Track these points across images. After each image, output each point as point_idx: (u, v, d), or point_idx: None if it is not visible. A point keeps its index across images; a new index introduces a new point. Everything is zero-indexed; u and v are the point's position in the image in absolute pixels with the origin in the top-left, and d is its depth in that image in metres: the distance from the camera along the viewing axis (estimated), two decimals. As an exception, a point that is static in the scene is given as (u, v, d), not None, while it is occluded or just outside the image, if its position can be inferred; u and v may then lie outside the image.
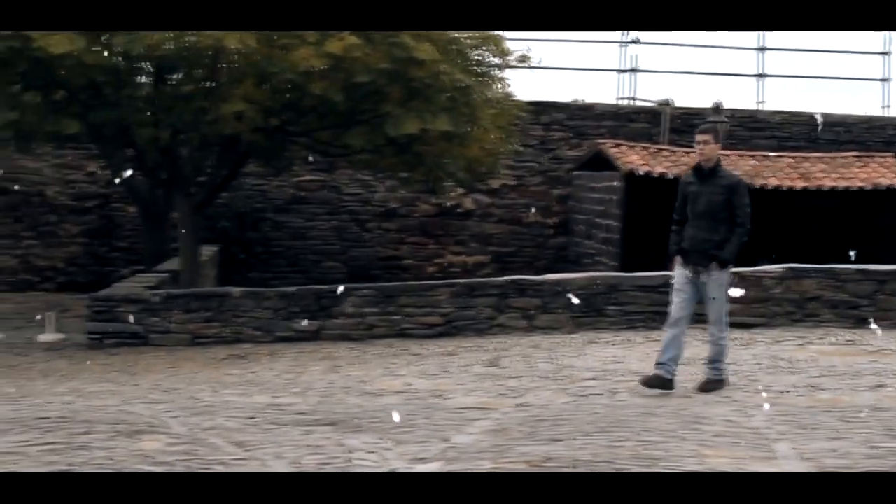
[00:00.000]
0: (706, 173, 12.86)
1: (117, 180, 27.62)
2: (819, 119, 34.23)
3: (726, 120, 32.97)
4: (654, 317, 20.70)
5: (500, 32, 25.91)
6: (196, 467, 7.90)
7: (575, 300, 20.09)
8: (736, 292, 12.79)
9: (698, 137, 13.02)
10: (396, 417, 10.25)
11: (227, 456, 8.36)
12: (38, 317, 24.44)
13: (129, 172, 26.12)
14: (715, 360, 12.92)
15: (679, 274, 12.93)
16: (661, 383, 12.40)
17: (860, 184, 29.62)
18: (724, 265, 12.80)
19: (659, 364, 12.61)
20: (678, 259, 12.92)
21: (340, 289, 21.72)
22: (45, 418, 10.13)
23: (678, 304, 12.88)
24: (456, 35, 24.40)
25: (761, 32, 36.10)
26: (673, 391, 12.45)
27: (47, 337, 24.66)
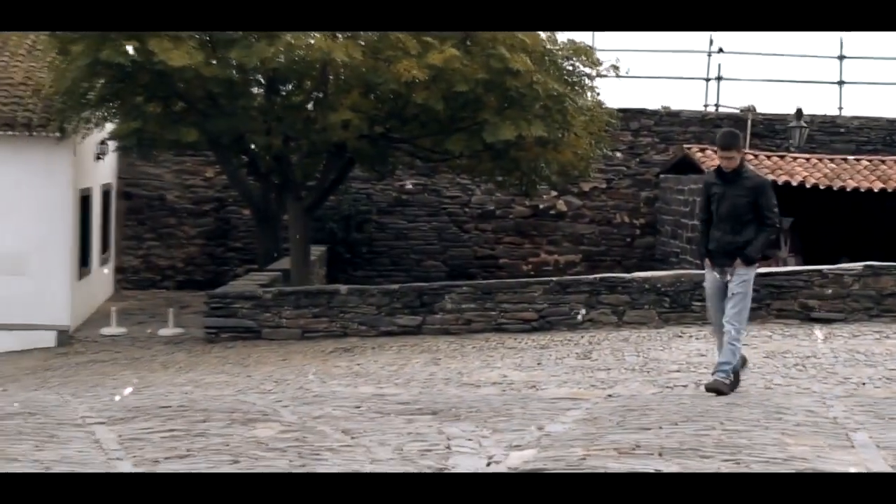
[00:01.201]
0: (730, 175, 11.99)
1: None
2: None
3: (805, 126, 32.75)
4: (738, 312, 20.56)
5: (591, 44, 25.92)
6: (307, 453, 7.96)
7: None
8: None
9: (725, 154, 12.07)
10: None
11: (335, 443, 8.40)
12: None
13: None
14: (725, 363, 11.82)
15: (709, 279, 12.23)
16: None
17: (936, 186, 29.20)
18: (748, 262, 11.94)
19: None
20: (707, 262, 12.19)
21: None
22: (166, 407, 10.26)
23: (715, 312, 12.21)
24: (549, 46, 24.42)
25: (841, 41, 35.67)
26: (742, 388, 12.01)
27: (167, 331, 24.97)
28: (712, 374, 11.89)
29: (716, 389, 11.50)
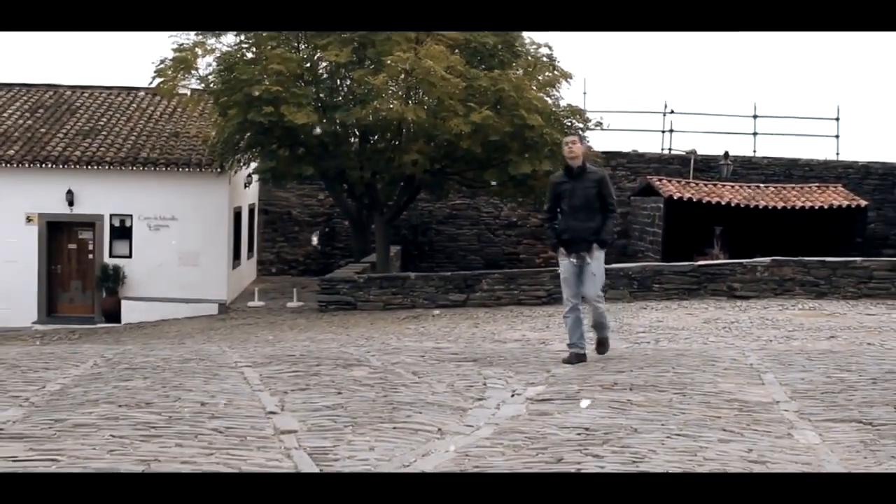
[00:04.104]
0: (577, 172, 9.89)
1: (315, 241, 28.00)
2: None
3: (730, 163, 32.53)
4: (685, 292, 20.42)
5: (583, 107, 25.83)
6: (388, 387, 7.96)
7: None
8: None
9: (566, 140, 10.09)
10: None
11: (407, 381, 8.40)
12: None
13: (315, 240, 27.29)
14: (599, 323, 10.13)
15: (565, 265, 9.98)
16: (577, 359, 9.83)
17: (820, 204, 29.21)
18: (603, 245, 9.86)
19: (571, 344, 10.05)
20: (562, 251, 9.96)
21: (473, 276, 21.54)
22: (292, 355, 10.29)
23: (570, 293, 10.06)
24: (554, 109, 24.37)
25: (755, 105, 35.45)
26: (587, 362, 9.91)
27: (293, 304, 25.05)
28: (595, 332, 10.29)
29: (604, 348, 10.21)
